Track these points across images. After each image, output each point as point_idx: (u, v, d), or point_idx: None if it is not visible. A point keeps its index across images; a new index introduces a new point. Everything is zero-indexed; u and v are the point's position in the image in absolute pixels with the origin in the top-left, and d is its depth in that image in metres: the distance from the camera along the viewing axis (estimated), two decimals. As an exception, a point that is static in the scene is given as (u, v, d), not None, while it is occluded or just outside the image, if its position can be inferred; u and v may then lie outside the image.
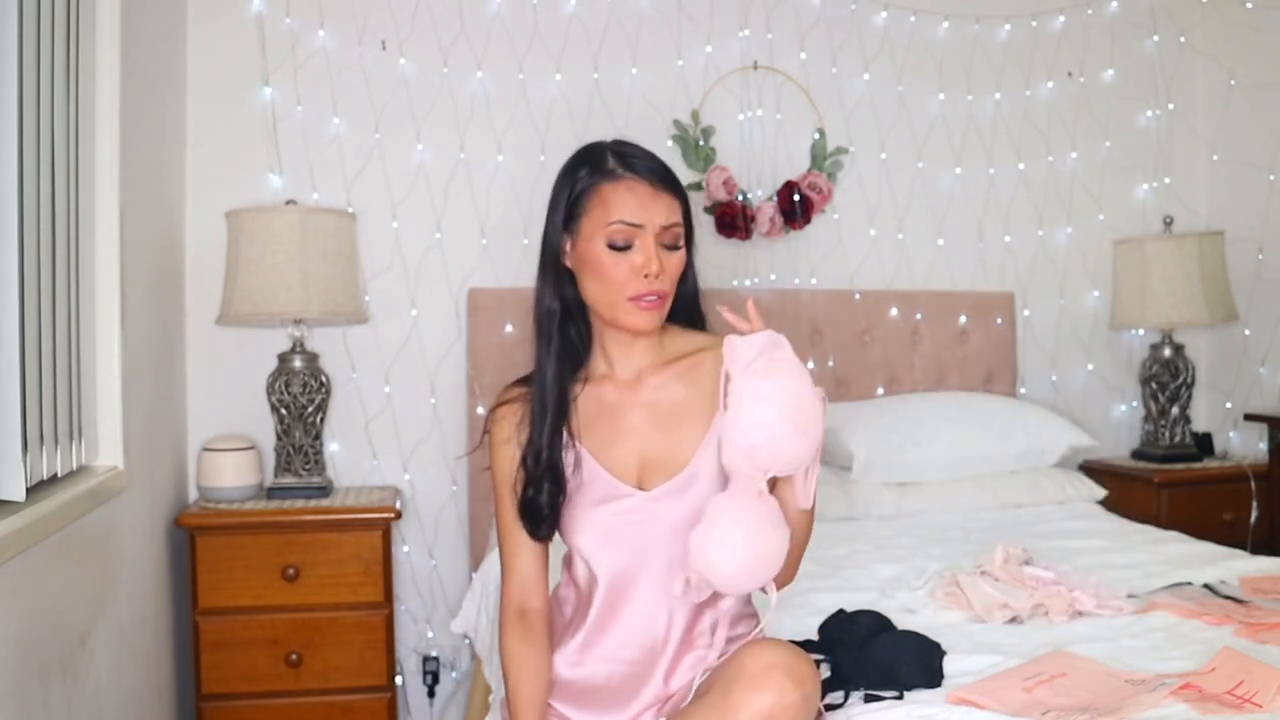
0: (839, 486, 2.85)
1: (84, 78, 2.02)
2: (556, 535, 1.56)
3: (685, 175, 3.12)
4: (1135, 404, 3.51)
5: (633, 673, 1.49)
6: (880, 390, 3.27)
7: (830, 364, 3.20)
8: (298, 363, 2.71)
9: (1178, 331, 3.35)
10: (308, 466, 2.71)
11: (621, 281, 1.45)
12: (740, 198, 3.15)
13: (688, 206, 1.52)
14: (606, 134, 1.63)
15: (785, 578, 1.46)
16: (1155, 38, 3.50)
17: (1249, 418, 3.29)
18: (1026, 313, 3.46)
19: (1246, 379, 3.41)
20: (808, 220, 3.20)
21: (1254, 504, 3.16)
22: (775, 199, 3.18)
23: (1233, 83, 3.43)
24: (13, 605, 1.59)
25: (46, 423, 1.77)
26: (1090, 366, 3.50)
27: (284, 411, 2.70)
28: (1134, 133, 3.53)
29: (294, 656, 2.56)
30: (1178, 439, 3.29)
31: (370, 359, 2.97)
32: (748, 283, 3.17)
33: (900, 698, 1.50)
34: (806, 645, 1.67)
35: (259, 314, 2.59)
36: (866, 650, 1.60)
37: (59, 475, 1.85)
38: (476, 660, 2.60)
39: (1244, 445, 3.43)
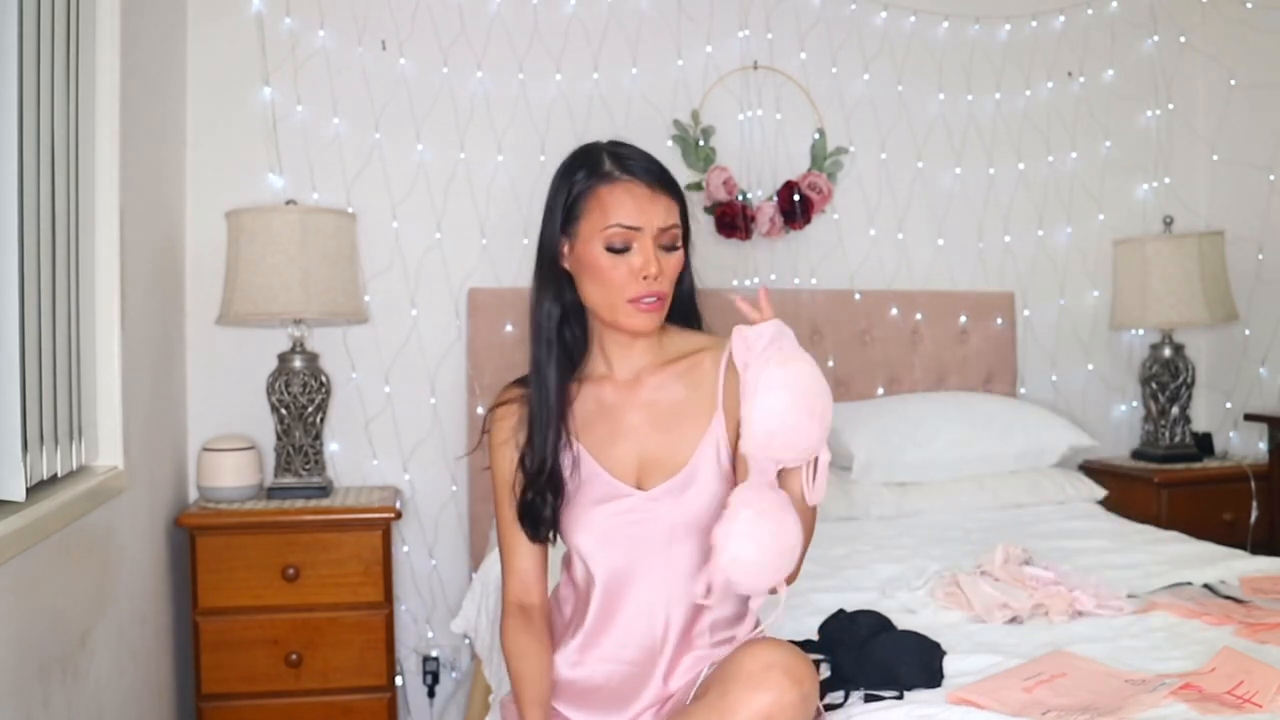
0: (839, 486, 2.85)
1: (84, 78, 2.02)
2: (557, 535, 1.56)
3: (685, 175, 3.13)
4: (1135, 404, 3.51)
5: (632, 673, 1.49)
6: (880, 390, 3.27)
7: (830, 364, 3.19)
8: (298, 363, 2.71)
9: (1178, 331, 3.35)
10: (308, 466, 2.71)
11: (620, 284, 1.45)
12: (740, 198, 3.15)
13: (685, 207, 1.52)
14: (606, 134, 1.63)
15: (792, 575, 1.46)
16: (1155, 38, 3.50)
17: (1249, 418, 3.30)
18: (1026, 313, 3.46)
19: (1246, 379, 3.41)
20: (808, 220, 3.20)
21: (1254, 504, 3.16)
22: (775, 199, 3.18)
23: (1233, 83, 3.43)
24: (13, 605, 1.59)
25: (46, 423, 1.77)
26: (1090, 366, 3.50)
27: (284, 411, 2.70)
28: (1134, 133, 3.53)
29: (294, 656, 2.56)
30: (1178, 439, 3.30)
31: (370, 359, 2.97)
32: (748, 283, 3.17)
33: (900, 698, 1.50)
34: (806, 645, 1.67)
35: (259, 314, 2.59)
36: (866, 650, 1.59)
37: (59, 475, 1.85)
38: (476, 660, 2.60)
39: (1244, 445, 3.43)
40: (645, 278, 1.45)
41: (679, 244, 1.50)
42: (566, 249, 1.51)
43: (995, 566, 2.06)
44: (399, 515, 2.65)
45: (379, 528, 2.62)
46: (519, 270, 2.99)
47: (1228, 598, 1.98)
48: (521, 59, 3.05)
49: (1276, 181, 3.30)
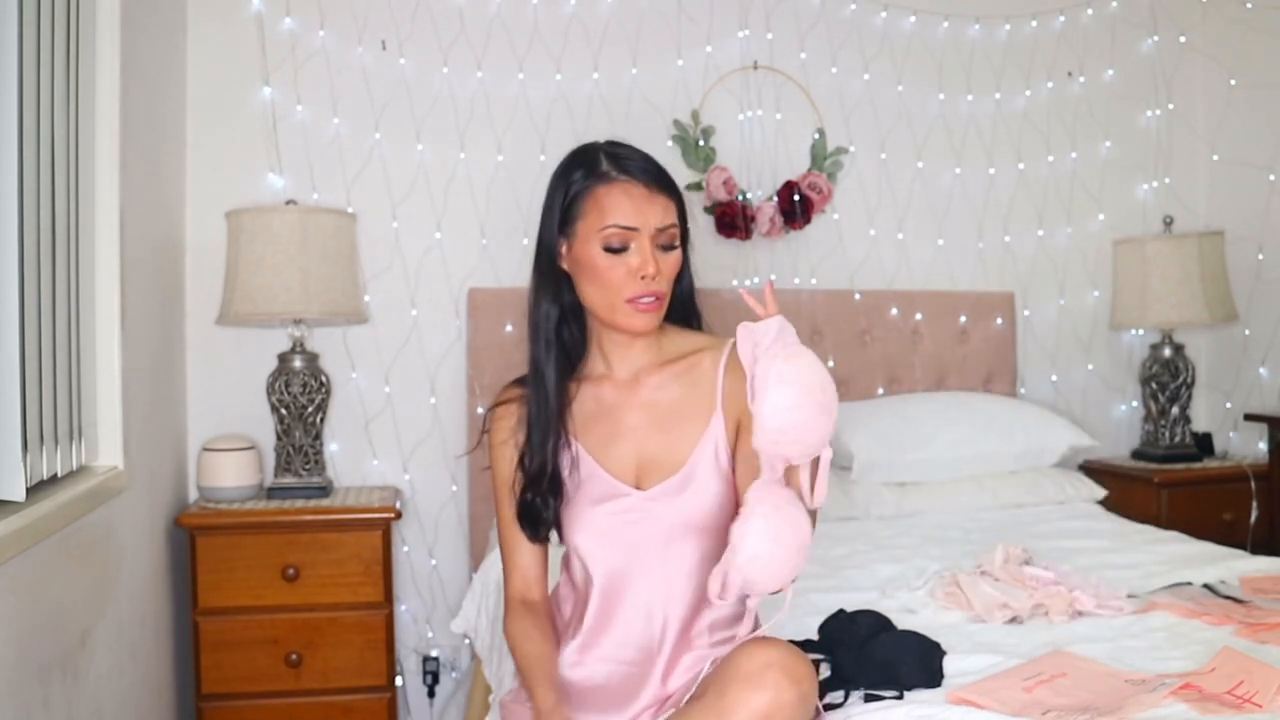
0: (839, 486, 2.85)
1: (84, 78, 2.02)
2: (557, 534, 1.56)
3: (685, 175, 3.13)
4: (1135, 404, 3.51)
5: (631, 673, 1.49)
6: (880, 390, 3.27)
7: (830, 364, 3.19)
8: (298, 363, 2.71)
9: (1178, 331, 3.35)
10: (308, 466, 2.71)
11: (618, 284, 1.46)
12: (740, 198, 3.15)
13: (683, 206, 1.52)
14: (606, 134, 1.63)
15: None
16: (1155, 38, 3.50)
17: (1249, 418, 3.29)
18: (1026, 313, 3.46)
19: (1246, 379, 3.41)
20: (808, 220, 3.20)
21: (1254, 504, 3.16)
22: (775, 199, 3.18)
23: (1233, 83, 3.43)
24: (13, 605, 1.59)
25: (46, 423, 1.77)
26: (1090, 366, 3.50)
27: (284, 411, 2.70)
28: (1134, 133, 3.53)
29: (294, 656, 2.56)
30: (1178, 439, 3.30)
31: (370, 359, 2.97)
32: (748, 282, 3.17)
33: (900, 698, 1.50)
34: (806, 645, 1.67)
35: (259, 314, 2.59)
36: (866, 650, 1.59)
37: (59, 475, 1.85)
38: (476, 660, 2.60)
39: (1244, 445, 3.43)
40: (643, 277, 1.45)
41: (677, 244, 1.50)
42: (564, 249, 1.51)
43: (995, 566, 2.06)
44: (399, 515, 2.65)
45: (379, 528, 2.62)
46: (519, 270, 2.99)
47: (1228, 598, 1.98)
48: (521, 59, 3.05)
49: (1276, 181, 3.30)
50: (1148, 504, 3.12)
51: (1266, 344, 3.34)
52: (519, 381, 1.60)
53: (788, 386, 1.28)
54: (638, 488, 1.51)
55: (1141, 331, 3.49)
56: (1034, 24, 3.42)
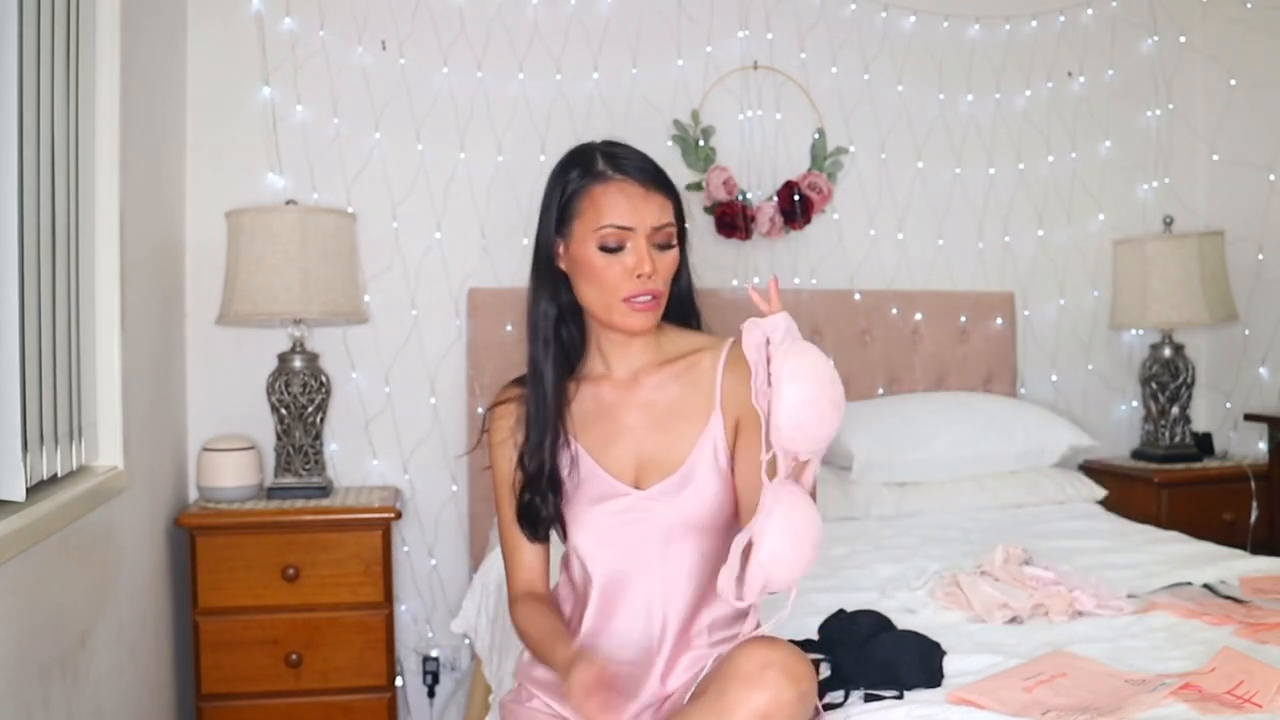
0: (839, 486, 2.85)
1: (84, 78, 2.02)
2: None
3: (685, 175, 3.13)
4: (1135, 404, 3.51)
5: (630, 673, 1.49)
6: (880, 390, 3.27)
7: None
8: (298, 363, 2.71)
9: (1178, 331, 3.35)
10: (308, 466, 2.71)
11: (615, 283, 1.46)
12: (740, 198, 3.15)
13: (680, 205, 1.52)
14: (607, 134, 1.63)
15: None
16: (1155, 38, 3.50)
17: (1249, 418, 3.29)
18: (1026, 313, 3.46)
19: (1246, 379, 3.41)
20: (808, 220, 3.20)
21: (1254, 504, 3.16)
22: (775, 199, 3.18)
23: (1233, 83, 3.43)
24: (13, 605, 1.59)
25: (46, 423, 1.77)
26: (1090, 366, 3.50)
27: (284, 411, 2.70)
28: (1134, 133, 3.53)
29: (294, 656, 2.56)
30: (1178, 439, 3.29)
31: (370, 359, 2.97)
32: (749, 283, 3.17)
33: (900, 697, 1.50)
34: (806, 645, 1.67)
35: (259, 314, 2.60)
36: (866, 650, 1.59)
37: (59, 475, 1.85)
38: (476, 660, 2.60)
39: (1244, 445, 3.43)
40: (639, 276, 1.45)
41: (674, 242, 1.50)
42: (562, 249, 1.51)
43: (995, 566, 2.06)
44: (399, 515, 2.65)
45: (379, 528, 2.62)
46: (519, 270, 2.98)
47: (1228, 598, 1.98)
48: (521, 59, 3.05)
49: (1276, 181, 3.30)
50: (1148, 504, 3.12)
51: (1266, 344, 3.34)
52: (518, 381, 1.60)
53: (800, 383, 1.27)
54: (637, 487, 1.52)
55: (1141, 331, 3.49)
56: (1034, 24, 3.42)
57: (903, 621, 1.81)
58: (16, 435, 1.61)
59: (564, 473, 1.53)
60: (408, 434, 2.99)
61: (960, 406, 3.09)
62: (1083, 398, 3.49)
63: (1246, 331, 3.39)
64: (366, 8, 2.95)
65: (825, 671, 1.60)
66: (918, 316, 3.30)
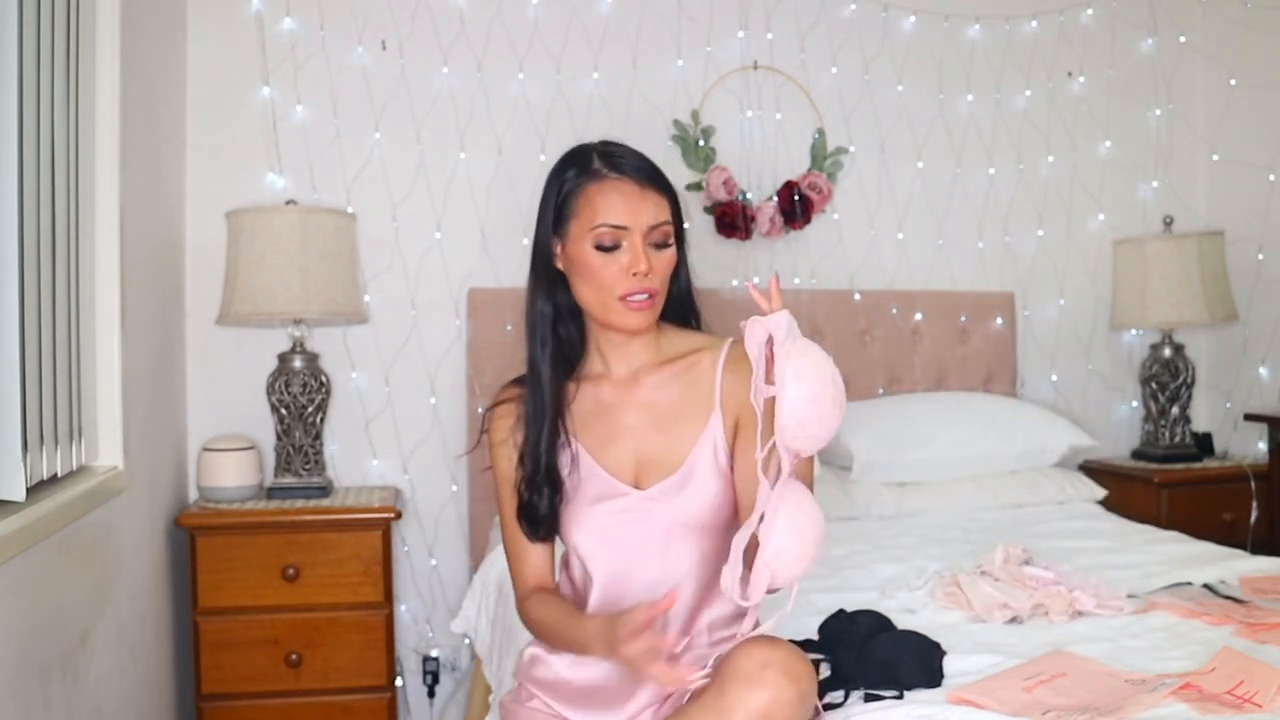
0: (839, 486, 2.85)
1: (84, 78, 2.02)
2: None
3: (685, 175, 3.13)
4: (1135, 404, 3.51)
5: (630, 672, 1.49)
6: (880, 390, 3.27)
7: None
8: (298, 363, 2.71)
9: (1178, 331, 3.35)
10: (308, 466, 2.71)
11: (610, 282, 1.46)
12: (740, 198, 3.15)
13: (677, 204, 1.52)
14: (607, 134, 1.63)
15: None
16: (1155, 38, 3.50)
17: (1249, 418, 3.29)
18: (1026, 313, 3.46)
19: (1246, 379, 3.41)
20: (808, 220, 3.20)
21: (1254, 504, 3.16)
22: (775, 199, 3.18)
23: (1233, 83, 3.43)
24: (13, 605, 1.59)
25: (46, 423, 1.77)
26: (1090, 366, 3.50)
27: (284, 411, 2.70)
28: (1134, 133, 3.53)
29: (294, 656, 2.56)
30: (1178, 439, 3.29)
31: (370, 359, 2.97)
32: (750, 282, 3.17)
33: (900, 697, 1.50)
34: (806, 645, 1.67)
35: (259, 314, 2.60)
36: (866, 650, 1.59)
37: (59, 475, 1.85)
38: (476, 660, 2.60)
39: (1244, 445, 3.43)
40: (635, 275, 1.45)
41: (670, 241, 1.50)
42: (559, 249, 1.51)
43: (995, 566, 2.06)
44: (399, 515, 2.65)
45: (379, 528, 2.62)
46: (519, 270, 2.98)
47: (1228, 598, 1.98)
48: (521, 59, 3.05)
49: (1276, 181, 3.30)
50: (1148, 504, 3.12)
51: (1266, 344, 3.34)
52: (517, 381, 1.60)
53: (804, 383, 1.27)
54: (637, 487, 1.52)
55: (1141, 331, 3.49)
56: (1034, 24, 3.42)
57: (903, 621, 1.81)
58: (16, 435, 1.61)
59: (564, 472, 1.54)
60: (408, 434, 2.99)
61: (960, 406, 3.09)
62: (1083, 398, 3.49)
63: (1246, 331, 3.39)
64: (366, 8, 2.95)
65: (825, 671, 1.60)
66: (918, 316, 3.30)
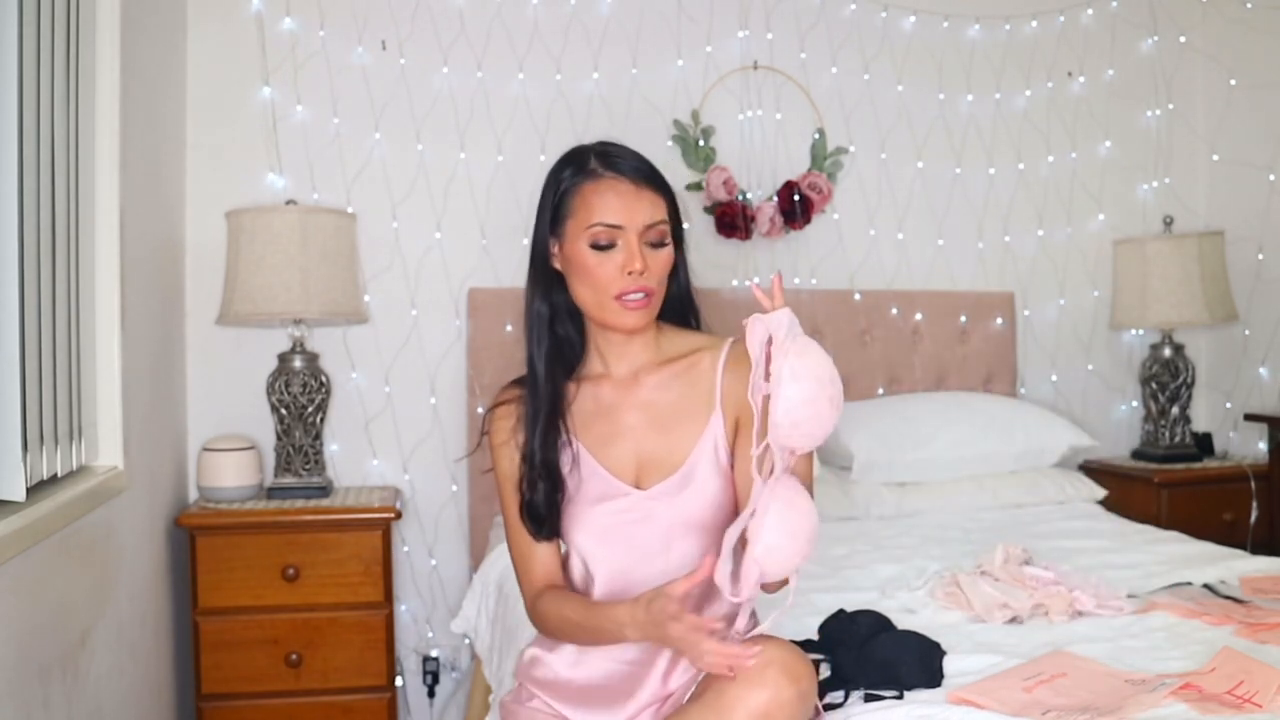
0: (839, 486, 2.85)
1: (84, 78, 2.02)
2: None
3: (685, 175, 3.13)
4: (1135, 404, 3.51)
5: (631, 672, 1.50)
6: (880, 390, 3.27)
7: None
8: (298, 363, 2.71)
9: (1178, 331, 3.35)
10: (308, 466, 2.71)
11: (606, 281, 1.46)
12: (740, 198, 3.15)
13: (675, 204, 1.52)
14: (607, 134, 1.63)
15: None
16: (1155, 38, 3.50)
17: (1249, 418, 3.29)
18: (1026, 313, 3.46)
19: (1246, 379, 3.41)
20: (808, 220, 3.20)
21: (1254, 504, 3.16)
22: (775, 199, 3.18)
23: (1233, 83, 3.43)
24: (13, 605, 1.59)
25: (46, 423, 1.77)
26: (1090, 366, 3.50)
27: (284, 411, 2.70)
28: (1134, 133, 3.53)
29: (294, 656, 2.56)
30: (1178, 439, 3.30)
31: (370, 359, 2.97)
32: (747, 282, 3.17)
33: (900, 697, 1.50)
34: (806, 645, 1.67)
35: (259, 314, 2.60)
36: (866, 650, 1.59)
37: (59, 475, 1.85)
38: (476, 660, 2.60)
39: (1244, 445, 3.43)
40: (630, 274, 1.45)
41: (667, 240, 1.50)
42: (556, 249, 1.52)
43: (995, 566, 2.06)
44: (399, 515, 2.65)
45: (379, 528, 2.62)
46: (519, 270, 2.97)
47: (1228, 598, 1.98)
48: (521, 59, 3.05)
49: (1276, 181, 3.30)
50: (1148, 504, 3.12)
51: (1266, 344, 3.34)
52: (517, 382, 1.60)
53: (800, 382, 1.27)
54: (637, 487, 1.52)
55: (1141, 331, 3.49)
56: (1034, 24, 3.42)
57: (903, 621, 1.81)
58: (16, 435, 1.61)
59: (565, 471, 1.53)
60: (408, 434, 2.99)
61: (960, 406, 3.09)
62: (1083, 398, 3.49)
63: (1246, 331, 3.39)
64: (366, 8, 2.95)
65: (825, 671, 1.60)
66: (918, 316, 3.30)
